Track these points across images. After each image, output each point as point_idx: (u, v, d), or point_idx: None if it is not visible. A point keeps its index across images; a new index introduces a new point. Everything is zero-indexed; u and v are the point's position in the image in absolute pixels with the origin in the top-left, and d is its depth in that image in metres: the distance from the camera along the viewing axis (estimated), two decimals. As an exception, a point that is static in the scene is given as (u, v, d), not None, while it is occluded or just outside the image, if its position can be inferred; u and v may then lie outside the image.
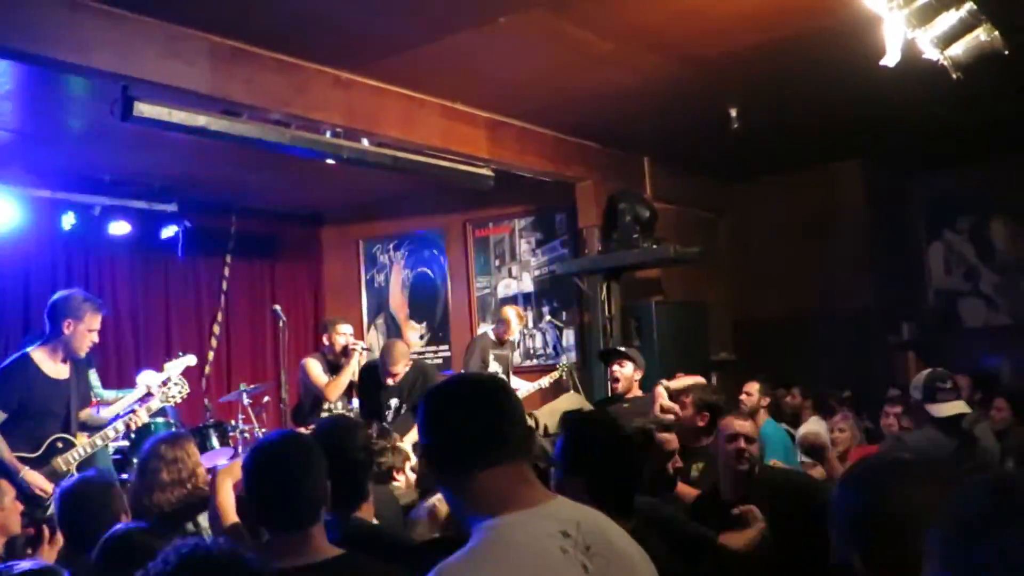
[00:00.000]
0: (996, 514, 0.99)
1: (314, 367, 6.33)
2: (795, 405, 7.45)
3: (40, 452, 4.52)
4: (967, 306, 9.46)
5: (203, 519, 3.56)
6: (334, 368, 6.38)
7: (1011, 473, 1.20)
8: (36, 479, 4.42)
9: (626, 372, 5.49)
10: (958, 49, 4.27)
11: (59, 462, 4.55)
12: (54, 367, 4.63)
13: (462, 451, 1.64)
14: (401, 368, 6.04)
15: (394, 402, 6.13)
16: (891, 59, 4.30)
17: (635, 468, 2.68)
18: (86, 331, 4.63)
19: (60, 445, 4.58)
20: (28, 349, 4.67)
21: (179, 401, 5.31)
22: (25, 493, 4.33)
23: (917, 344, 9.16)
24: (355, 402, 6.52)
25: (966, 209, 9.43)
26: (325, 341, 6.50)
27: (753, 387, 6.28)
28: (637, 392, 5.49)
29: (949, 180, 9.32)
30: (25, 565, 2.43)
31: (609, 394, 5.86)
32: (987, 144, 8.27)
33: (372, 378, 6.20)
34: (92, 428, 4.80)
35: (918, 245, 9.74)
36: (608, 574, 1.58)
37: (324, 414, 6.24)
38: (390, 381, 6.06)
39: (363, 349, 6.46)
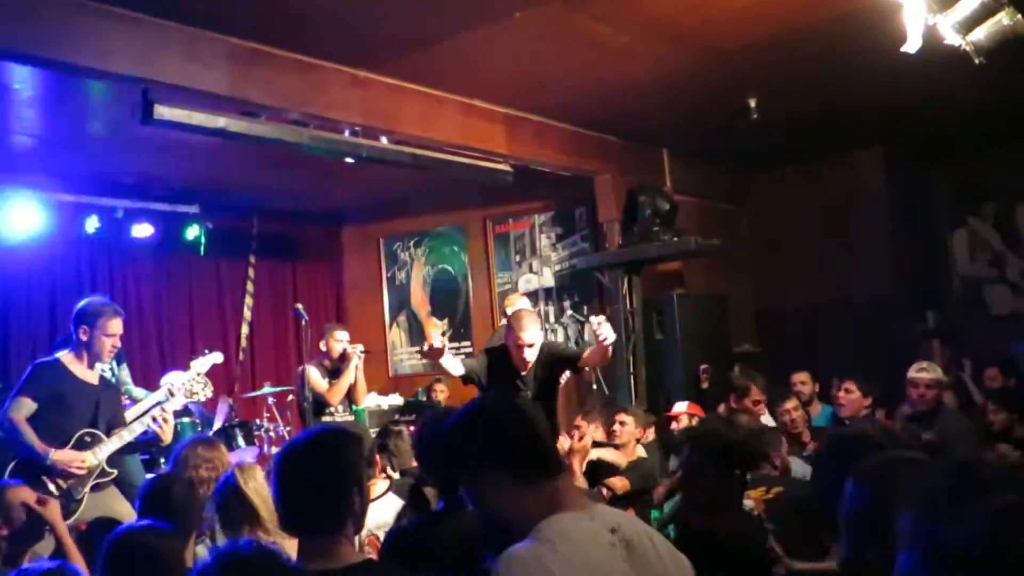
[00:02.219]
0: (958, 490, 1.05)
1: (313, 373, 6.48)
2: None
3: (69, 446, 4.59)
4: (993, 293, 9.36)
5: None
6: (334, 373, 6.55)
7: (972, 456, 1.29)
8: (67, 456, 4.52)
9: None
10: (980, 34, 4.22)
11: (88, 455, 4.62)
12: (83, 370, 4.75)
13: (533, 466, 1.85)
14: (536, 336, 4.82)
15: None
16: (912, 45, 4.26)
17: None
18: (103, 336, 4.72)
19: (88, 439, 4.66)
20: (58, 354, 4.81)
21: (203, 400, 5.40)
22: (60, 475, 4.46)
23: (942, 332, 9.07)
24: (355, 407, 6.65)
25: (991, 195, 9.32)
26: (322, 347, 6.67)
27: (805, 376, 6.46)
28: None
29: (973, 166, 9.22)
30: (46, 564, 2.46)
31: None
32: (1011, 129, 8.17)
33: (499, 367, 4.94)
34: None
35: (942, 232, 9.64)
36: (646, 568, 1.80)
37: (327, 418, 6.37)
38: (527, 366, 4.86)
39: (361, 352, 6.58)
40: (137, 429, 4.84)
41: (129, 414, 5.13)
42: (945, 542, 1.02)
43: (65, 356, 4.75)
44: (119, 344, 4.89)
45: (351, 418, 6.56)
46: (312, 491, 2.16)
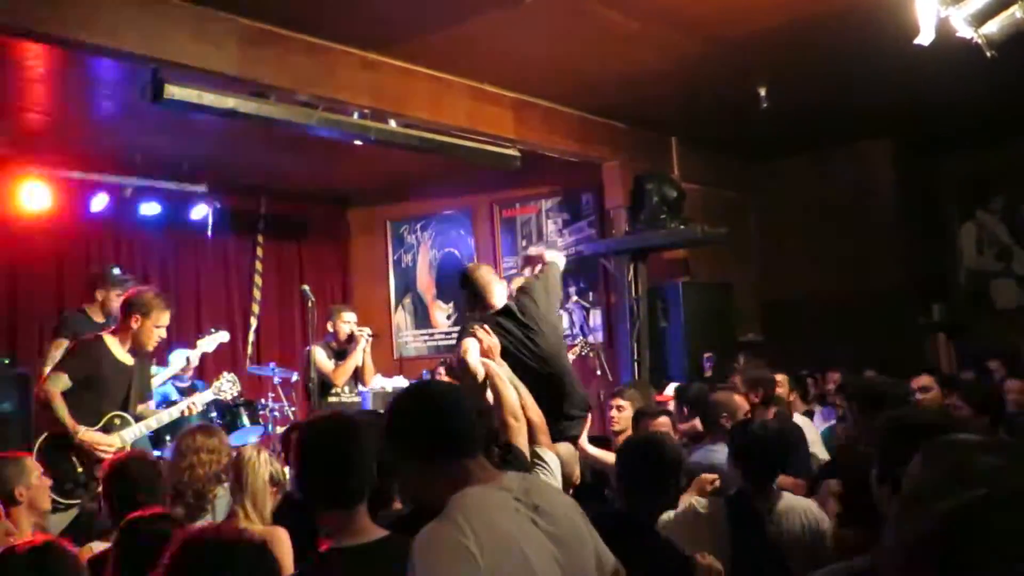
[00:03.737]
0: (944, 484, 1.01)
1: (319, 354, 6.49)
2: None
3: (99, 426, 4.68)
4: (999, 287, 9.34)
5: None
6: (340, 355, 6.56)
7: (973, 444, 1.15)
8: (94, 437, 4.61)
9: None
10: (992, 27, 4.20)
11: (115, 438, 4.69)
12: (123, 353, 4.82)
13: (443, 446, 2.01)
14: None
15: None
16: (924, 37, 4.24)
17: None
18: (153, 327, 4.82)
19: (117, 422, 4.75)
20: (102, 333, 4.88)
21: (230, 398, 5.54)
22: (86, 454, 4.56)
23: (948, 326, 9.07)
24: (361, 387, 6.64)
25: (999, 189, 9.29)
26: (329, 328, 6.67)
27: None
28: None
29: (982, 159, 9.19)
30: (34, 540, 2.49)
31: None
32: (1021, 123, 8.12)
33: None
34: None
35: (949, 225, 9.62)
36: (554, 526, 1.97)
37: (332, 399, 6.37)
38: None
39: (368, 336, 6.57)
40: (165, 419, 4.97)
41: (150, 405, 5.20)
42: (909, 534, 1.01)
43: (108, 336, 4.81)
44: (164, 335, 4.98)
45: (357, 400, 6.55)
46: (338, 463, 2.24)
